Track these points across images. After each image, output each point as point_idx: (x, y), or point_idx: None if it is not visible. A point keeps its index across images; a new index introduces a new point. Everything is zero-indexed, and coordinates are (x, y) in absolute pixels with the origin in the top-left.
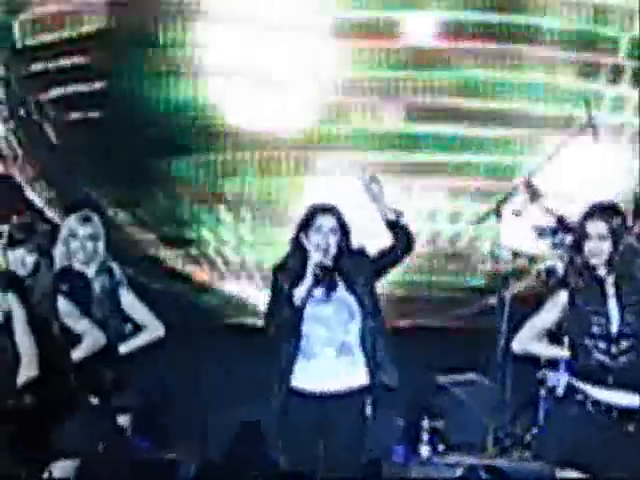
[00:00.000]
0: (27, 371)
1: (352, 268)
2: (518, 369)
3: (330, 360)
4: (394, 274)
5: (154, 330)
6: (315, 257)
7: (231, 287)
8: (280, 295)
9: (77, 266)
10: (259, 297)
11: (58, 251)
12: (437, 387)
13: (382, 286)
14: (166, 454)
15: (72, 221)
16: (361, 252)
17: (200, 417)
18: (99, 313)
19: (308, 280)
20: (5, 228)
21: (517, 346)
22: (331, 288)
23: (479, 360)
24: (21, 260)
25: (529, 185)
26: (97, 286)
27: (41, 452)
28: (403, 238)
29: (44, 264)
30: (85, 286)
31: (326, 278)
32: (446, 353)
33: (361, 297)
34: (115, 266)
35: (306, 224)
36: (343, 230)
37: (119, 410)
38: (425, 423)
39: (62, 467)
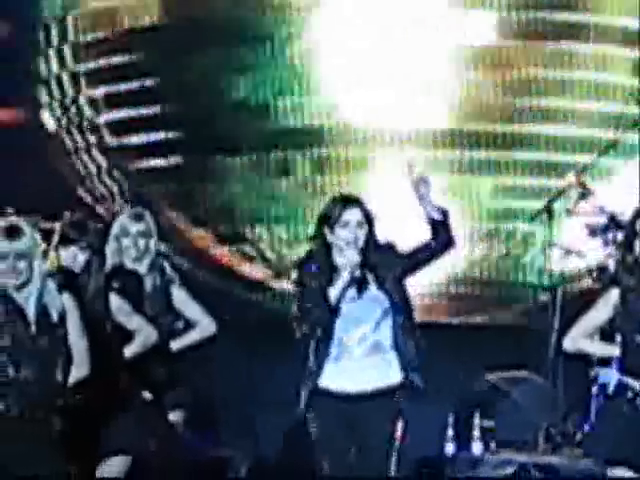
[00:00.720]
0: (79, 371)
1: (382, 263)
2: (570, 367)
3: (361, 360)
4: (448, 271)
5: (206, 327)
6: (349, 255)
7: (286, 285)
8: (312, 294)
9: (128, 264)
10: None
11: (109, 248)
12: (489, 384)
13: (434, 284)
14: (218, 452)
15: (124, 218)
16: (390, 247)
17: (253, 415)
18: (151, 310)
19: (344, 279)
20: (57, 226)
21: (569, 344)
22: (363, 287)
23: (531, 358)
24: (73, 258)
25: (580, 183)
26: (149, 283)
27: (93, 449)
28: (444, 236)
29: (96, 262)
30: (137, 283)
31: (359, 277)
32: (498, 351)
33: (392, 294)
34: (167, 263)
35: (330, 219)
36: (369, 223)
37: (172, 407)
38: (476, 420)
39: (114, 464)
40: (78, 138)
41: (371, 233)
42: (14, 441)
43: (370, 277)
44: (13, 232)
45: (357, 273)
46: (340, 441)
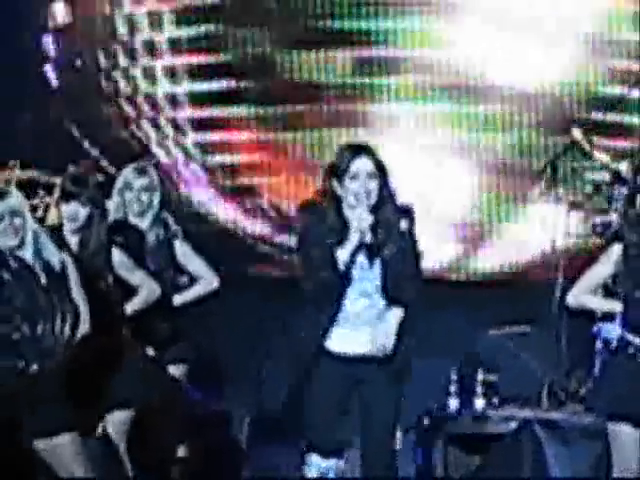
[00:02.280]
0: (83, 327)
1: (395, 222)
2: (573, 322)
3: (365, 328)
4: (448, 225)
5: (209, 282)
6: (360, 214)
7: (288, 239)
8: (319, 252)
9: (131, 218)
10: None
11: (113, 203)
12: (492, 340)
13: (434, 237)
14: (221, 406)
15: (127, 173)
16: (407, 210)
17: (255, 369)
18: (153, 265)
19: (353, 243)
20: (58, 181)
21: (572, 299)
22: (375, 254)
23: (534, 313)
24: (74, 213)
25: (585, 138)
26: (151, 238)
27: (96, 404)
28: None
29: (97, 216)
30: (139, 238)
31: (369, 243)
32: (501, 306)
33: (403, 259)
34: (170, 218)
35: (338, 169)
36: (382, 174)
37: (174, 361)
38: (479, 376)
39: (117, 418)
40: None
41: (384, 185)
42: (31, 397)
43: (381, 237)
44: None
45: (367, 238)
46: (337, 405)
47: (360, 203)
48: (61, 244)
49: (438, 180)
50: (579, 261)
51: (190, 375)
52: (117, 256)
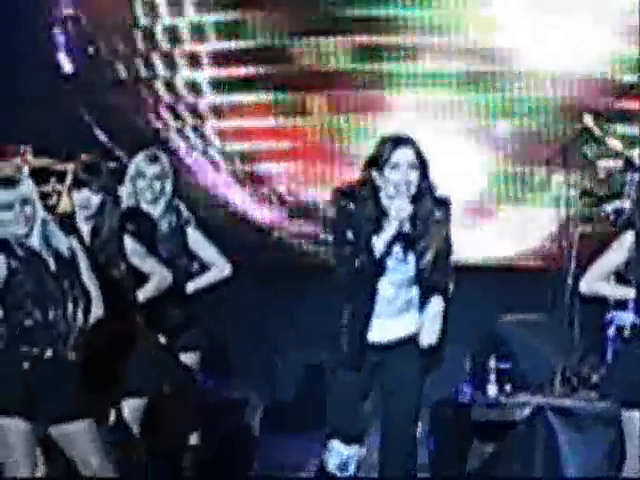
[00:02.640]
0: (96, 311)
1: (432, 214)
2: (586, 310)
3: (391, 319)
4: (462, 211)
5: (221, 269)
6: (399, 204)
7: (303, 227)
8: (356, 239)
9: (144, 205)
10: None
11: (125, 190)
12: (505, 327)
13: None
14: (234, 394)
15: (140, 160)
16: (444, 202)
17: (269, 358)
18: (166, 252)
19: (391, 231)
20: (70, 168)
21: (585, 287)
22: (411, 245)
23: (547, 300)
24: (87, 201)
25: (597, 125)
26: (164, 225)
27: (110, 391)
28: None
29: (109, 204)
30: (151, 226)
31: (407, 233)
32: (514, 293)
33: (438, 251)
34: (182, 205)
35: (378, 159)
36: (423, 165)
37: (187, 349)
38: (492, 363)
39: (130, 405)
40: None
41: (424, 177)
42: (46, 383)
43: (419, 229)
44: (9, 182)
45: (406, 227)
46: (360, 391)
47: (400, 193)
48: (70, 231)
49: (449, 166)
50: (591, 248)
51: (203, 362)
52: (129, 244)
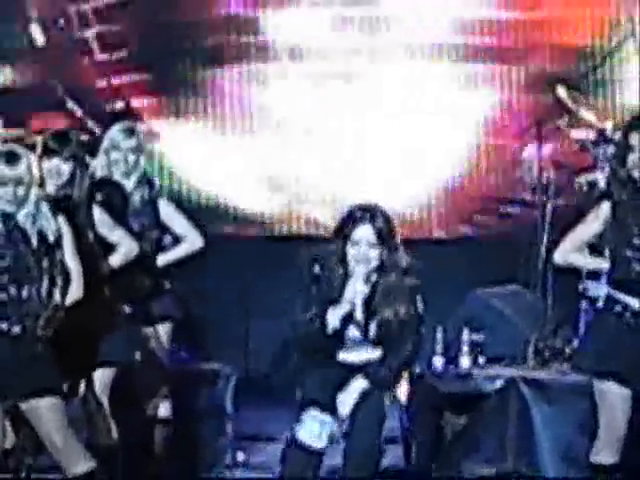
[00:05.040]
0: (76, 291)
1: (396, 289)
2: (559, 281)
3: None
4: (435, 185)
5: (193, 242)
6: (353, 285)
7: (275, 197)
8: (317, 308)
9: (117, 177)
10: (305, 207)
11: (99, 161)
12: (477, 299)
13: (426, 196)
14: (206, 365)
15: (115, 132)
16: (410, 273)
17: (241, 329)
18: (137, 225)
19: (342, 311)
20: (39, 138)
21: (559, 258)
22: (365, 328)
23: (520, 272)
24: (57, 169)
25: (570, 96)
26: (136, 198)
27: (79, 364)
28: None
29: (79, 173)
30: (123, 197)
31: (360, 321)
32: (487, 265)
33: (401, 324)
34: (155, 177)
35: (343, 232)
36: (387, 241)
37: (159, 319)
38: (465, 335)
39: (99, 377)
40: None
41: (389, 253)
42: (14, 359)
43: (378, 308)
44: (11, 157)
45: (358, 312)
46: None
47: (357, 273)
48: (57, 211)
49: (423, 140)
50: (564, 219)
51: (175, 333)
52: (97, 214)
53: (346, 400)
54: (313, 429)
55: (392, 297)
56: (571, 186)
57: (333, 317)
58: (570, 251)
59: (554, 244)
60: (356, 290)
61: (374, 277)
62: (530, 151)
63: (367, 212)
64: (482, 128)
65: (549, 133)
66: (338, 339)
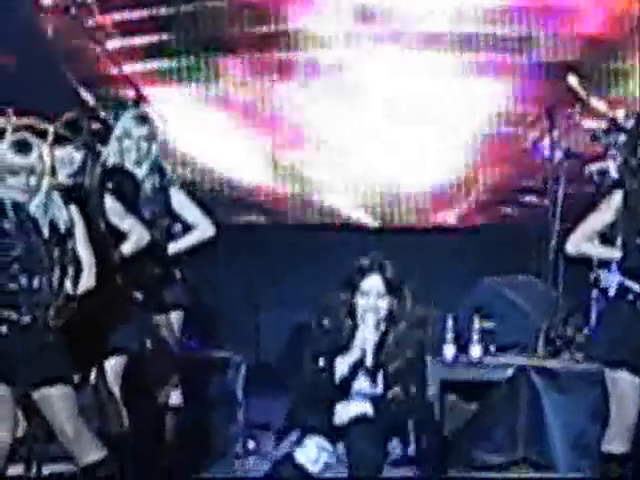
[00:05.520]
0: (87, 281)
1: (406, 340)
2: (570, 270)
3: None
4: (447, 174)
5: (204, 230)
6: (363, 332)
7: (287, 185)
8: (325, 358)
9: (128, 165)
10: (317, 195)
11: (111, 149)
12: (489, 288)
13: (432, 186)
14: (217, 354)
15: (128, 120)
16: (420, 323)
17: (252, 318)
18: (148, 213)
19: (352, 358)
20: (51, 127)
21: (571, 247)
22: (375, 375)
23: (531, 261)
24: (68, 158)
25: (581, 85)
26: (147, 186)
27: (90, 353)
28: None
29: (91, 161)
30: (134, 185)
31: (372, 363)
32: (498, 254)
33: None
34: (166, 165)
35: (351, 284)
36: (396, 292)
37: (169, 307)
38: (476, 323)
39: (110, 366)
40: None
41: (398, 303)
42: (24, 348)
43: (387, 359)
44: (23, 146)
45: (369, 359)
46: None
47: (366, 321)
48: (69, 200)
49: (435, 129)
50: (575, 208)
51: (186, 322)
52: (109, 202)
53: (344, 412)
54: (311, 454)
55: (401, 347)
56: (582, 175)
57: (342, 365)
58: (582, 241)
59: (565, 233)
60: (366, 337)
61: (383, 326)
62: (541, 140)
63: (375, 262)
64: (494, 117)
65: (560, 122)
66: (344, 391)
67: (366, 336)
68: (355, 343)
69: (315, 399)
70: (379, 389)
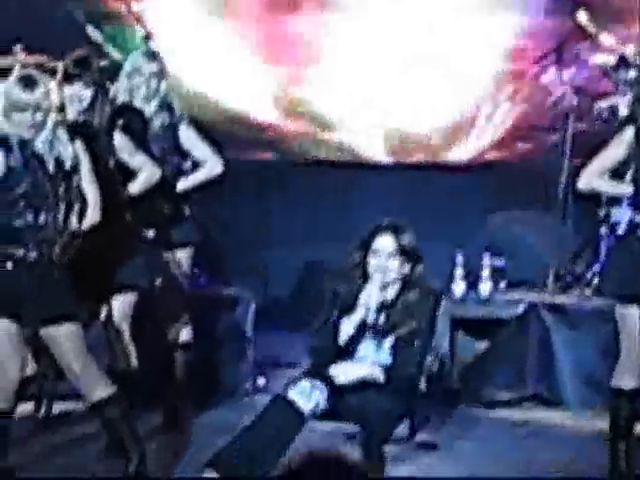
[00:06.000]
0: (92, 216)
1: (414, 304)
2: (580, 206)
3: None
4: (458, 111)
5: (213, 167)
6: (367, 290)
7: (297, 122)
8: (328, 323)
9: (137, 103)
10: (328, 132)
11: (120, 86)
12: (499, 224)
13: (449, 122)
14: (227, 291)
15: (137, 57)
16: (433, 293)
17: (262, 255)
18: (157, 150)
19: (356, 317)
20: (60, 64)
21: (582, 183)
22: (382, 337)
23: (541, 197)
24: (78, 94)
25: (589, 21)
26: (156, 123)
27: (100, 290)
28: None
29: (101, 98)
30: (143, 123)
31: (375, 321)
32: (508, 190)
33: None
34: (175, 103)
35: (366, 245)
36: (409, 255)
37: (179, 244)
38: (486, 260)
39: (121, 302)
40: None
41: (413, 267)
42: (31, 285)
43: (395, 321)
44: (29, 82)
45: (371, 316)
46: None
47: (374, 280)
48: (74, 136)
49: (444, 65)
50: (585, 145)
51: (195, 259)
52: (119, 139)
53: (349, 372)
54: (305, 390)
55: (410, 314)
56: (592, 112)
57: (348, 324)
58: (593, 177)
59: (575, 170)
60: (371, 294)
61: (393, 289)
62: (551, 76)
63: (391, 225)
64: (505, 53)
65: (570, 58)
66: (349, 352)
67: (370, 293)
68: (360, 302)
69: (322, 362)
70: (385, 356)
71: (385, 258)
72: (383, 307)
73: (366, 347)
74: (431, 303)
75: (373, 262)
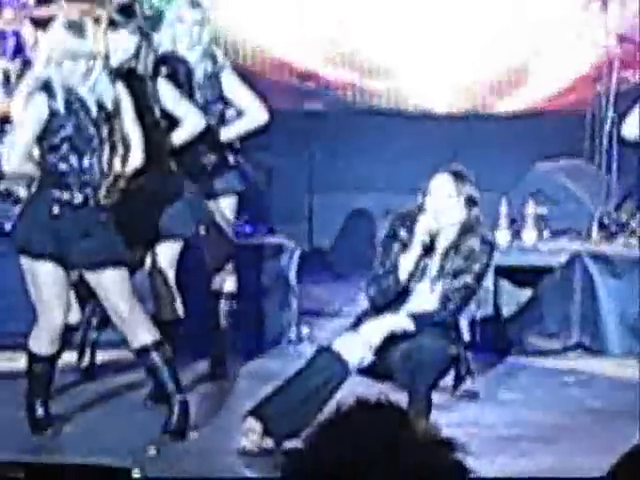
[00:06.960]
0: (135, 159)
1: (472, 252)
2: (624, 154)
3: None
4: (500, 60)
5: (257, 116)
6: (421, 219)
7: (341, 70)
8: (386, 257)
9: (180, 51)
10: (370, 81)
11: (163, 34)
12: (543, 173)
13: (491, 71)
14: (271, 239)
15: (180, 5)
16: (488, 243)
17: (306, 203)
18: (201, 98)
19: (414, 249)
20: (104, 12)
21: (627, 131)
22: (438, 274)
23: (585, 146)
24: (123, 42)
25: None
26: (200, 71)
27: (145, 237)
28: None
29: (145, 47)
30: (187, 71)
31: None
32: (552, 139)
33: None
34: (218, 51)
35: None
36: (468, 200)
37: (223, 193)
38: (530, 208)
39: (166, 249)
40: None
41: (470, 212)
42: (77, 228)
43: (454, 263)
44: (79, 29)
45: (426, 238)
46: None
47: (429, 211)
48: (115, 79)
49: (493, 14)
50: (629, 93)
51: (239, 208)
52: (163, 87)
53: (376, 329)
54: (349, 343)
55: (474, 261)
56: (636, 59)
57: (406, 260)
58: (637, 124)
59: (619, 118)
60: (423, 222)
61: (452, 233)
62: (594, 24)
63: (452, 169)
64: (543, 2)
65: (614, 6)
66: (406, 292)
67: (424, 221)
68: (415, 233)
69: (382, 303)
70: (435, 301)
71: (442, 198)
72: (446, 250)
73: (422, 287)
74: (489, 251)
75: (430, 201)
